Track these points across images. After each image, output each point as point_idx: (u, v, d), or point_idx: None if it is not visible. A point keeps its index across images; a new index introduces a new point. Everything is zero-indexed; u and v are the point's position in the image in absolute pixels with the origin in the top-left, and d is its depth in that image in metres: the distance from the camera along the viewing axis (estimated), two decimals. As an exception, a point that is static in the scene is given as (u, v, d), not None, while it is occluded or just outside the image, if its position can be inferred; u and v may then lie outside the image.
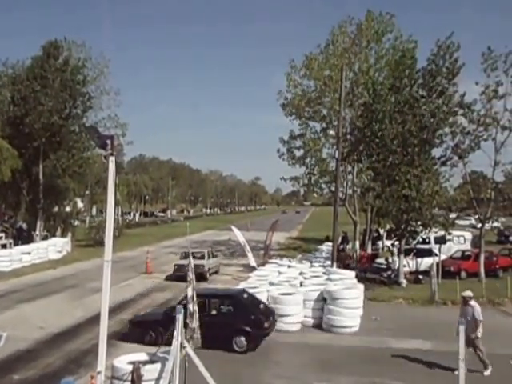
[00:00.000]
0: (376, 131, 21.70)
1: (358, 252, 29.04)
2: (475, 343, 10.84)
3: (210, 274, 24.89)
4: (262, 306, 13.62)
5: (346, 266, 23.32)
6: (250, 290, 15.32)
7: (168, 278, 24.30)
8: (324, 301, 14.94)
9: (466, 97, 22.50)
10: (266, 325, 12.64)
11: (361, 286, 16.90)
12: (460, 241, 29.71)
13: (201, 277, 22.47)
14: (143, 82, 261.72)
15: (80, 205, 59.05)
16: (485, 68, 22.48)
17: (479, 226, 25.66)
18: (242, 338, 12.36)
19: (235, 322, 12.45)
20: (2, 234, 32.36)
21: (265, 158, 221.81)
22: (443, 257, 24.39)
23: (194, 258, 24.19)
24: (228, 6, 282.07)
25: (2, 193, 35.56)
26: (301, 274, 19.26)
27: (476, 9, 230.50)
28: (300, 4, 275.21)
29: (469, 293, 11.34)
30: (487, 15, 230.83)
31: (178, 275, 22.61)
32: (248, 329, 12.38)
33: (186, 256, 24.83)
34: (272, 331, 13.00)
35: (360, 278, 19.81)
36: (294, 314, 14.56)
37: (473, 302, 11.10)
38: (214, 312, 12.88)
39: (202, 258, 24.98)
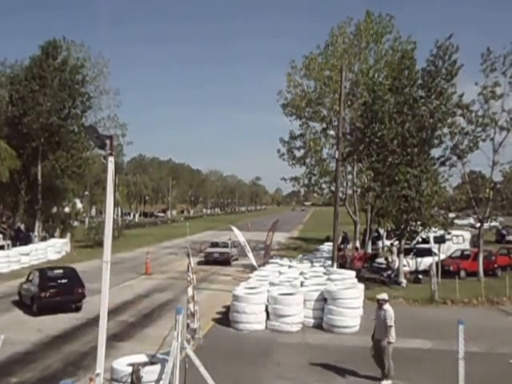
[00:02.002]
0: (376, 131, 21.71)
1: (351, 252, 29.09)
2: (384, 349, 10.35)
3: (232, 260, 30.76)
4: (62, 281, 16.99)
5: (341, 267, 23.29)
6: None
7: (200, 263, 29.48)
8: (324, 301, 14.92)
9: (464, 97, 22.59)
10: (43, 295, 16.03)
11: (361, 286, 16.88)
12: (459, 240, 29.70)
13: (226, 261, 29.82)
14: (143, 82, 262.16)
15: (79, 205, 58.98)
16: (484, 69, 22.56)
17: (478, 225, 25.68)
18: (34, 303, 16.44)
19: (34, 291, 16.63)
20: (0, 235, 32.28)
21: (265, 158, 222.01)
22: (443, 256, 24.39)
23: (221, 246, 30.39)
24: (229, 5, 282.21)
25: (0, 194, 35.49)
26: (301, 274, 19.24)
27: (476, 6, 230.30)
28: (301, 3, 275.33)
29: (383, 295, 10.84)
30: (487, 13, 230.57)
31: (207, 260, 29.93)
32: (35, 295, 16.33)
33: (213, 245, 32.05)
34: (55, 301, 16.26)
35: (359, 279, 19.79)
36: (295, 314, 14.54)
37: (386, 306, 10.51)
38: (30, 280, 17.45)
39: (227, 246, 31.34)
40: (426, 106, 21.36)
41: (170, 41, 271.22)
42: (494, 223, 37.02)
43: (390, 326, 10.29)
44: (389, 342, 10.31)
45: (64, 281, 16.91)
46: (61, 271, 17.90)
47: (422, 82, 22.17)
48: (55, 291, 16.31)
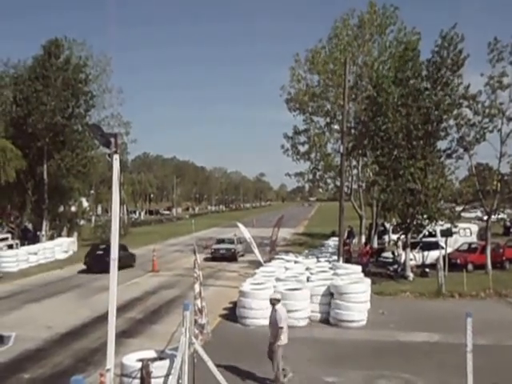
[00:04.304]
0: (380, 125, 21.60)
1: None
2: (274, 352, 9.83)
3: (238, 256, 31.09)
4: (99, 253, 25.43)
5: (347, 261, 23.27)
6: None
7: (207, 259, 29.97)
8: (331, 295, 14.94)
9: (470, 89, 22.37)
10: (85, 260, 26.15)
11: (368, 280, 16.87)
12: (466, 233, 29.62)
13: (232, 257, 30.28)
14: (147, 81, 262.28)
15: (85, 204, 58.98)
16: (490, 59, 22.34)
17: (485, 218, 25.58)
18: None
19: None
20: (8, 235, 32.42)
21: (269, 154, 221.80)
22: (449, 249, 24.31)
23: (227, 243, 29.44)
24: (232, 5, 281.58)
25: (7, 193, 35.55)
26: (307, 269, 19.25)
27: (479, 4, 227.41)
28: (303, 2, 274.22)
29: (276, 295, 10.43)
30: (489, 10, 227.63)
31: (214, 257, 30.30)
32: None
33: (219, 242, 32.46)
34: (92, 264, 25.22)
35: (366, 273, 19.78)
36: (302, 309, 14.56)
37: (278, 306, 10.06)
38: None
39: (233, 243, 31.62)
40: (431, 98, 21.22)
41: (173, 40, 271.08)
42: (501, 216, 36.87)
43: (281, 328, 9.78)
44: (278, 345, 9.78)
45: (100, 252, 25.15)
46: (103, 246, 26.10)
47: (427, 74, 22.00)
48: (92, 258, 25.44)
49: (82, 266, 26.41)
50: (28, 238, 33.93)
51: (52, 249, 31.08)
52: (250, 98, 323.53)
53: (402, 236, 23.19)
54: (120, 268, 23.67)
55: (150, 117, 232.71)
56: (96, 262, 24.22)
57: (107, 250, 24.97)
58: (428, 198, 21.01)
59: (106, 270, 23.30)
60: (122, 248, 27.25)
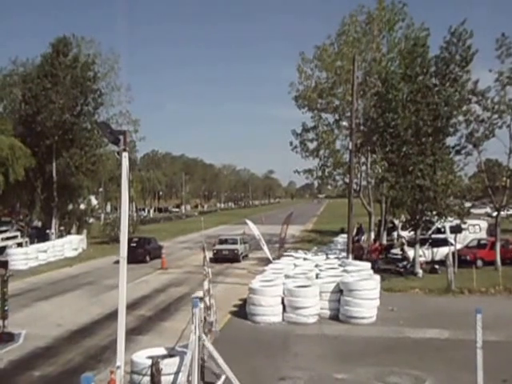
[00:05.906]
0: (389, 121, 21.50)
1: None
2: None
3: (242, 257, 29.75)
4: (132, 245, 25.96)
5: (356, 258, 23.19)
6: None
7: (210, 259, 28.97)
8: (340, 292, 14.91)
9: (479, 85, 22.24)
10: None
11: (377, 277, 16.81)
12: (475, 229, 29.40)
13: (235, 259, 28.74)
14: (156, 79, 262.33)
15: (94, 202, 59.31)
16: (499, 55, 22.18)
17: (495, 214, 25.41)
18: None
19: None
20: (18, 233, 32.69)
21: (278, 151, 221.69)
22: (459, 246, 24.15)
23: (229, 243, 29.87)
24: (237, 8, 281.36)
25: (16, 192, 35.82)
26: (316, 266, 19.23)
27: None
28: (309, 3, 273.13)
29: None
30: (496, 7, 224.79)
31: (217, 257, 28.32)
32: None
33: (221, 242, 30.87)
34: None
35: (376, 270, 19.71)
36: (311, 306, 14.55)
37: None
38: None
39: (235, 243, 30.13)
40: (440, 94, 21.08)
41: (182, 39, 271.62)
42: (511, 212, 36.58)
43: None
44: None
45: (133, 245, 26.71)
46: (136, 239, 29.34)
47: (436, 70, 21.86)
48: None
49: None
50: (37, 236, 34.16)
51: (61, 247, 31.29)
52: (257, 95, 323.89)
53: (405, 234, 23.07)
54: (152, 258, 27.14)
55: (158, 115, 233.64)
56: (130, 254, 25.89)
57: (139, 243, 29.01)
58: (437, 195, 20.90)
59: (138, 260, 25.42)
60: (153, 241, 31.27)
